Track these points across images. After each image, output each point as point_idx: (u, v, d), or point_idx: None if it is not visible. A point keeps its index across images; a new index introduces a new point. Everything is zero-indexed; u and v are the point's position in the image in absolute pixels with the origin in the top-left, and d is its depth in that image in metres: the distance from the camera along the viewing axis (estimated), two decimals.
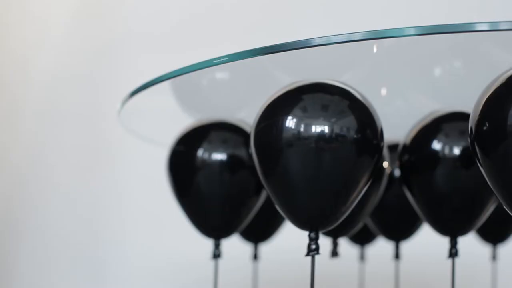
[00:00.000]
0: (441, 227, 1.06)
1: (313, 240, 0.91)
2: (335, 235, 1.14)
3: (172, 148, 1.12)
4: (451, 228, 1.06)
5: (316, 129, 0.88)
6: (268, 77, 1.06)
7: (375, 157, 0.91)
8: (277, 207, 0.93)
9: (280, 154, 0.89)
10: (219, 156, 1.09)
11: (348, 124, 0.89)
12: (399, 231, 1.29)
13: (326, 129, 0.88)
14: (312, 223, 0.91)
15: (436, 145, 1.02)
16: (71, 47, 2.05)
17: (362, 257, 1.45)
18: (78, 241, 1.97)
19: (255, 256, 1.33)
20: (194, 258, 1.70)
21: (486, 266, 1.50)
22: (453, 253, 1.07)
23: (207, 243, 1.17)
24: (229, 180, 1.09)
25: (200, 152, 1.09)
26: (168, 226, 1.82)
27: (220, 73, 1.10)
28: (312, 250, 0.91)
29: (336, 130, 0.88)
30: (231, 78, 1.10)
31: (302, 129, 0.88)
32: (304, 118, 0.88)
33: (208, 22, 2.01)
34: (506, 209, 0.85)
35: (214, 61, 0.89)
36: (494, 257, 1.47)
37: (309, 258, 0.92)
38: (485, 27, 0.88)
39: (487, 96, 0.84)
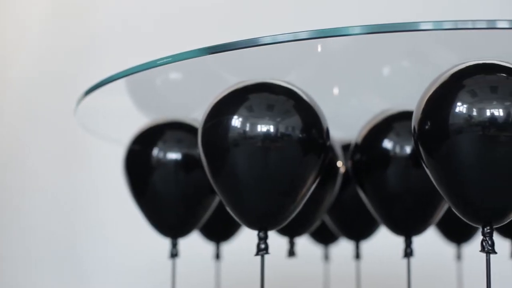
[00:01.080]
0: (395, 227, 1.07)
1: (262, 239, 0.92)
2: (291, 234, 1.14)
3: (128, 148, 1.13)
4: (405, 228, 1.06)
5: (262, 128, 0.88)
6: (223, 76, 1.06)
7: (321, 156, 0.92)
8: (226, 207, 0.93)
9: (226, 154, 0.89)
10: (174, 155, 1.09)
11: (293, 124, 0.89)
12: (358, 230, 1.29)
13: (271, 128, 0.88)
14: (260, 223, 0.92)
15: (387, 144, 1.03)
16: (50, 47, 2.05)
17: (326, 257, 1.45)
18: (58, 240, 1.97)
19: (217, 256, 1.33)
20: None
21: (451, 265, 1.51)
22: (408, 252, 1.07)
23: (183, 242, 1.17)
24: (184, 179, 1.10)
25: (155, 152, 1.10)
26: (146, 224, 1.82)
27: (174, 73, 1.10)
28: (261, 250, 0.91)
29: (282, 129, 0.89)
30: (185, 78, 1.10)
31: (247, 129, 0.88)
32: (250, 117, 0.89)
33: (186, 21, 2.01)
34: (452, 208, 0.86)
35: (158, 62, 0.89)
36: (458, 256, 1.48)
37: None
38: (429, 26, 0.89)
39: (428, 96, 0.84)
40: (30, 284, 1.96)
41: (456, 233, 1.42)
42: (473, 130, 0.80)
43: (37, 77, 2.05)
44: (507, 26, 0.89)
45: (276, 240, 1.14)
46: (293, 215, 0.93)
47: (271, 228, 0.92)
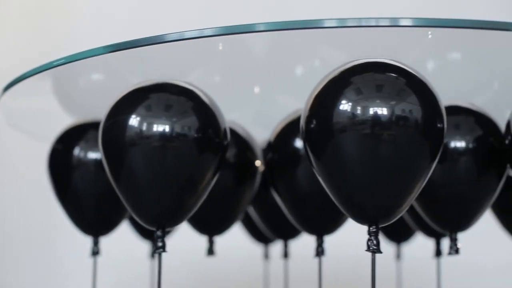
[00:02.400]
0: (307, 226, 1.07)
1: (159, 238, 0.93)
2: (210, 233, 1.15)
3: (51, 147, 1.14)
4: (316, 227, 1.07)
5: (158, 128, 0.90)
6: (146, 75, 1.08)
7: (218, 155, 0.93)
8: (125, 205, 0.94)
9: (124, 153, 0.90)
10: (95, 155, 1.11)
11: (190, 124, 0.90)
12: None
13: (167, 128, 0.89)
14: (158, 221, 0.92)
15: (299, 144, 1.03)
16: (23, 34, 2.06)
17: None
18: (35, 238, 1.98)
19: (153, 254, 1.34)
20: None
21: (391, 265, 1.51)
22: (319, 251, 1.08)
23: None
24: (104, 178, 1.10)
25: (76, 151, 1.11)
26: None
27: (96, 74, 1.11)
28: (158, 248, 0.92)
29: (178, 129, 0.90)
30: (107, 78, 1.11)
31: (144, 128, 0.90)
32: (147, 117, 0.90)
33: (162, 8, 2.01)
34: (340, 208, 0.86)
35: (54, 63, 0.90)
36: (398, 256, 1.48)
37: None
38: (333, 23, 0.89)
39: (315, 94, 0.85)
40: (8, 282, 1.97)
41: (396, 233, 1.42)
42: (357, 129, 0.81)
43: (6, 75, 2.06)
44: (410, 24, 0.90)
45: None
46: (191, 213, 0.94)
47: (169, 226, 0.93)
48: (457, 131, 1.01)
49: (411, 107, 0.81)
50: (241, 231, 1.44)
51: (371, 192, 0.82)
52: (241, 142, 1.12)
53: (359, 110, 0.81)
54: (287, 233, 1.27)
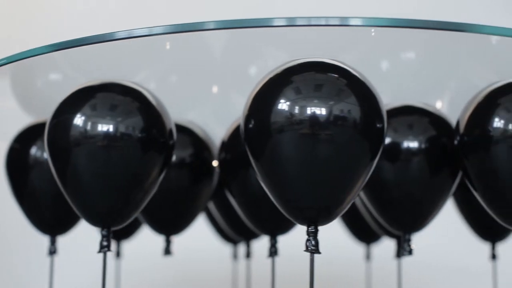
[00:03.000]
0: (261, 227, 1.07)
1: (105, 237, 0.93)
2: (167, 233, 1.15)
3: (9, 146, 1.14)
4: (270, 227, 1.07)
5: (102, 128, 0.89)
6: (104, 74, 1.08)
7: (163, 155, 0.93)
8: (70, 204, 0.94)
9: (68, 153, 0.90)
10: None
11: (134, 124, 0.90)
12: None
13: (111, 128, 0.89)
14: (103, 221, 0.93)
15: None
16: None
17: (235, 256, 1.45)
18: None
19: (118, 254, 1.34)
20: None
21: (360, 265, 1.51)
22: (272, 252, 1.08)
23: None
24: None
25: (33, 151, 1.11)
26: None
27: (54, 74, 1.12)
28: (103, 247, 0.92)
29: (122, 129, 0.90)
30: (65, 78, 1.12)
31: (89, 128, 0.89)
32: (91, 117, 0.90)
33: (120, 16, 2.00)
34: (279, 208, 0.86)
35: None
36: (368, 256, 1.48)
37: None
38: (283, 22, 0.89)
39: (254, 94, 0.84)
40: None
41: (366, 234, 1.42)
42: (295, 129, 0.80)
43: None
44: (359, 23, 0.90)
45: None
46: (137, 212, 0.94)
47: (114, 226, 0.93)
48: (410, 131, 1.01)
49: (349, 107, 0.81)
50: (210, 231, 1.44)
51: (310, 192, 0.82)
52: (198, 142, 1.11)
53: (297, 110, 0.80)
54: (250, 234, 1.27)
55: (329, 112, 0.80)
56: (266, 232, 1.07)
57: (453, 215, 1.32)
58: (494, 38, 0.92)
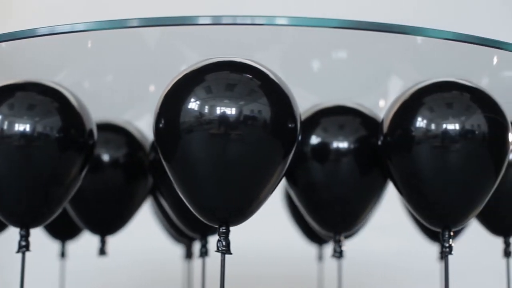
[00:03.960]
0: (191, 227, 1.06)
1: (23, 237, 0.92)
2: (102, 234, 1.14)
3: None
4: (200, 228, 1.06)
5: (19, 127, 0.89)
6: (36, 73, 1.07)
7: (82, 154, 0.92)
8: None
9: None
10: None
11: (52, 124, 0.90)
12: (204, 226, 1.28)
13: (28, 127, 0.88)
14: (21, 221, 0.92)
15: None
16: None
17: (188, 256, 1.44)
18: None
19: (63, 254, 1.33)
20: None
21: (313, 265, 1.50)
22: (203, 252, 1.07)
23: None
24: None
25: None
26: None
27: None
28: (22, 247, 0.92)
29: (40, 129, 0.89)
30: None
31: (6, 127, 0.88)
32: (9, 116, 0.89)
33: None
34: (191, 209, 0.85)
35: None
36: (320, 257, 1.47)
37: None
38: (208, 21, 0.88)
39: (164, 93, 0.83)
40: None
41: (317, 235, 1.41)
42: (204, 129, 0.79)
43: None
44: (285, 23, 0.89)
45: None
46: (57, 212, 0.93)
47: (33, 226, 0.92)
48: (341, 131, 1.00)
49: (260, 107, 0.80)
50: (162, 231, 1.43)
51: (221, 193, 0.81)
52: (133, 142, 1.11)
53: (206, 109, 0.79)
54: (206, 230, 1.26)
55: (239, 112, 0.79)
56: (195, 232, 1.06)
57: (402, 216, 1.31)
58: (419, 38, 0.91)
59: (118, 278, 1.79)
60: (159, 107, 0.82)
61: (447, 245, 0.91)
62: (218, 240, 0.82)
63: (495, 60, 0.97)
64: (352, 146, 0.98)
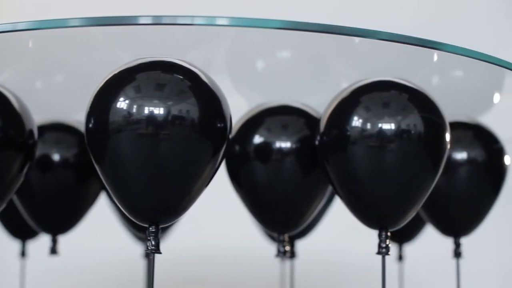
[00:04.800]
0: (138, 228, 1.07)
1: None
2: (53, 233, 1.14)
3: None
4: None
5: None
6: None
7: (21, 154, 0.92)
8: None
9: None
10: None
11: None
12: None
13: None
14: None
15: None
16: None
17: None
18: None
19: (23, 254, 1.34)
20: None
21: (275, 264, 1.50)
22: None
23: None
24: None
25: None
26: None
27: None
28: None
29: None
30: None
31: None
32: None
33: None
34: (121, 208, 0.85)
35: None
36: (291, 255, 1.46)
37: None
38: (148, 20, 0.88)
39: (95, 92, 0.83)
40: None
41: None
42: (132, 129, 0.79)
43: None
44: (226, 23, 0.89)
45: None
46: None
47: None
48: (284, 131, 1.00)
49: (188, 108, 0.80)
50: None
51: (150, 193, 0.81)
52: (84, 141, 1.11)
53: (135, 109, 0.79)
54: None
55: (167, 112, 0.79)
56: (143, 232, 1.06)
57: None
58: (357, 39, 0.90)
59: (82, 278, 1.80)
60: (89, 106, 0.83)
61: (383, 245, 0.91)
62: (148, 240, 0.82)
63: (435, 58, 0.96)
64: (295, 146, 0.98)
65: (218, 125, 0.82)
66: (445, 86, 1.11)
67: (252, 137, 0.99)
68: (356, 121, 0.89)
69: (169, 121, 0.79)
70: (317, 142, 0.93)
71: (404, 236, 1.33)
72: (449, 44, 0.89)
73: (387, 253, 0.91)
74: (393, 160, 0.88)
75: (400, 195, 0.90)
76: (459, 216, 1.11)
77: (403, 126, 0.88)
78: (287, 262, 1.41)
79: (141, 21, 0.89)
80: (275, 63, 1.02)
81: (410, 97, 0.90)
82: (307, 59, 1.01)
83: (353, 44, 0.93)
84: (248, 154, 0.99)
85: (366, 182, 0.89)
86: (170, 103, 0.80)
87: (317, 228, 1.32)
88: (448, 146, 0.91)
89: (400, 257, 1.34)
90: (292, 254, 1.25)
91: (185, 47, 0.98)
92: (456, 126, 1.11)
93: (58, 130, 1.11)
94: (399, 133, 0.88)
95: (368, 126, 0.88)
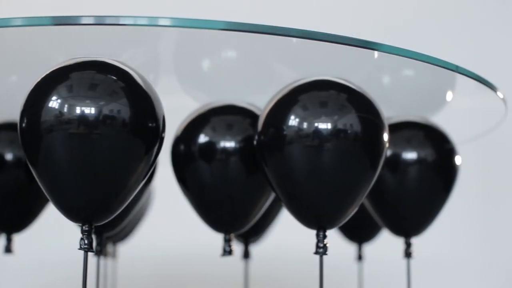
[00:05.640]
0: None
1: None
2: (8, 232, 1.15)
3: None
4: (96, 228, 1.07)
5: None
6: None
7: None
8: None
9: None
10: None
11: None
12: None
13: None
14: None
15: None
16: None
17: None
18: None
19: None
20: None
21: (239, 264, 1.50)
22: (97, 250, 1.08)
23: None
24: None
25: None
26: None
27: None
28: None
29: None
30: None
31: None
32: None
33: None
34: (56, 208, 0.85)
35: None
36: (246, 255, 1.47)
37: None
38: (91, 21, 0.88)
39: (29, 91, 0.84)
40: None
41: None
42: (64, 128, 0.80)
43: None
44: (168, 24, 0.89)
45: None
46: None
47: None
48: (229, 131, 1.00)
49: (119, 107, 0.81)
50: None
51: (83, 192, 0.81)
52: None
53: (66, 109, 0.80)
54: None
55: (99, 112, 0.80)
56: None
57: None
58: (294, 39, 0.91)
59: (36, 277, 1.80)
60: (23, 105, 0.83)
61: (321, 245, 0.91)
62: (81, 238, 0.83)
63: (375, 58, 0.96)
64: (240, 146, 0.99)
65: (150, 124, 0.82)
66: (397, 86, 1.11)
67: (197, 137, 1.00)
68: (293, 120, 0.89)
69: (101, 120, 0.80)
70: (255, 142, 0.93)
71: (363, 236, 1.34)
72: (385, 45, 0.89)
73: (324, 253, 0.91)
74: (329, 160, 0.88)
75: (337, 195, 0.90)
76: (410, 216, 1.11)
77: (340, 125, 0.88)
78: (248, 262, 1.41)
79: (84, 21, 0.89)
80: (221, 63, 1.02)
81: (348, 97, 0.90)
82: (251, 59, 1.01)
83: (295, 44, 0.93)
84: (193, 154, 1.00)
85: (303, 182, 0.89)
86: (102, 103, 0.80)
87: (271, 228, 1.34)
88: (386, 146, 0.91)
89: (360, 257, 1.34)
90: (246, 254, 1.27)
91: (131, 48, 0.99)
92: (407, 126, 1.12)
93: (11, 130, 1.12)
94: (335, 132, 0.88)
95: (305, 125, 0.88)
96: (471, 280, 1.85)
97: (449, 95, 1.14)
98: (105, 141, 0.80)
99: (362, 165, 0.90)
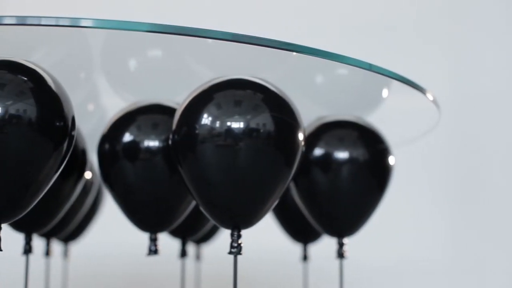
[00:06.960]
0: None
1: None
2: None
3: None
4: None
5: None
6: None
7: None
8: None
9: None
10: None
11: None
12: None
13: None
14: None
15: None
16: None
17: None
18: None
19: None
20: None
21: (191, 265, 1.51)
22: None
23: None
24: None
25: None
26: None
27: None
28: None
29: None
30: None
31: None
32: None
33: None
34: None
35: None
36: (197, 257, 1.47)
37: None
38: (13, 21, 0.89)
39: None
40: None
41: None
42: None
43: None
44: (90, 25, 0.90)
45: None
46: None
47: None
48: (154, 130, 1.01)
49: (26, 107, 0.82)
50: None
51: None
52: None
53: None
54: None
55: (5, 112, 0.81)
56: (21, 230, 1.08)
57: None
58: (210, 40, 0.91)
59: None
60: None
61: (235, 245, 0.91)
62: None
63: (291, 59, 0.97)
64: (164, 145, 0.99)
65: (57, 124, 0.83)
66: (331, 85, 1.11)
67: (121, 136, 1.00)
68: (206, 119, 0.89)
69: (7, 120, 0.81)
70: (170, 142, 0.94)
71: (309, 236, 1.33)
72: (297, 44, 0.89)
73: (239, 252, 0.91)
74: (242, 159, 0.88)
75: (251, 194, 0.90)
76: (342, 216, 1.11)
77: (252, 125, 0.88)
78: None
79: (6, 21, 0.90)
80: (147, 63, 1.03)
81: (263, 96, 0.90)
82: (175, 59, 1.02)
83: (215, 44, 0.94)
84: (118, 153, 1.00)
85: (216, 183, 0.89)
86: (8, 103, 0.81)
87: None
88: (302, 145, 0.91)
89: (305, 257, 1.34)
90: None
91: (59, 48, 1.00)
92: (340, 125, 1.12)
93: None
94: (248, 132, 0.88)
95: (217, 124, 0.88)
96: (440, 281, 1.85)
97: (384, 95, 1.14)
98: (11, 141, 0.81)
99: (276, 164, 0.90)
